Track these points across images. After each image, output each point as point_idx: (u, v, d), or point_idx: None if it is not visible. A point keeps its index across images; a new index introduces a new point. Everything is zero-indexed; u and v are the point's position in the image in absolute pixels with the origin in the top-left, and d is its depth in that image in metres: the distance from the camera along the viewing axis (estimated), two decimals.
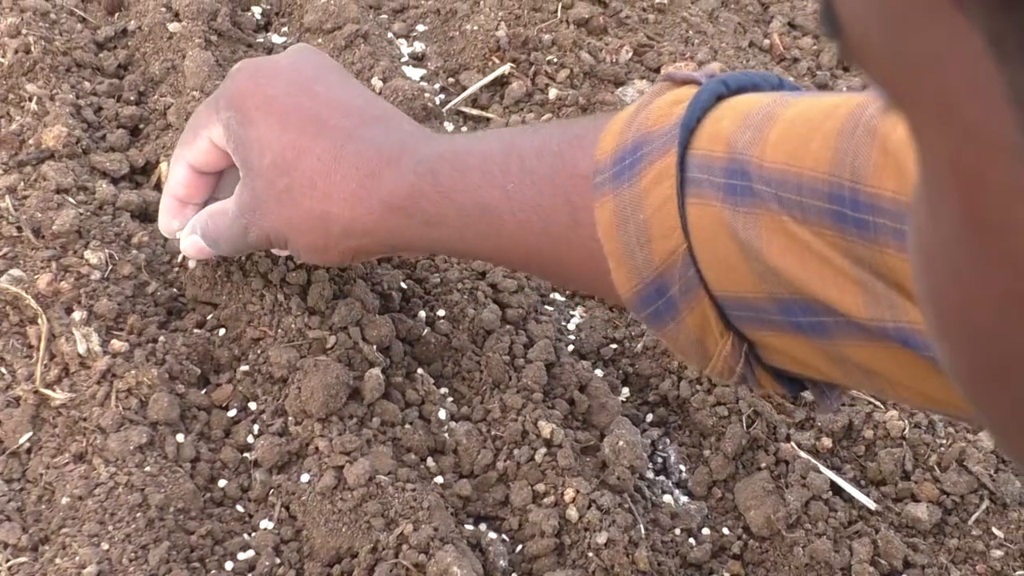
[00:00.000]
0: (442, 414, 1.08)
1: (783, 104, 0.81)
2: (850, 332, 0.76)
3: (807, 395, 0.95)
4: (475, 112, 1.38)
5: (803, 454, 1.11)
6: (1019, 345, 0.34)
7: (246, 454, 1.03)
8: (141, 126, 1.22)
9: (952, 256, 0.35)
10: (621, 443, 1.07)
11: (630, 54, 1.43)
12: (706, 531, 1.08)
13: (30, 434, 0.98)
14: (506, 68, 1.40)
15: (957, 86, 0.31)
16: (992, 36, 0.29)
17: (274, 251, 1.08)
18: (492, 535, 1.02)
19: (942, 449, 1.14)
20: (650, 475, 1.11)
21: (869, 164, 0.72)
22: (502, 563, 0.99)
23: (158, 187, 1.17)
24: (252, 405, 1.05)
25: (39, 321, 1.02)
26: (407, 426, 1.05)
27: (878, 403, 1.17)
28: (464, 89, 1.40)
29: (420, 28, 1.49)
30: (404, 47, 1.46)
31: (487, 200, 0.91)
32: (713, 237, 0.81)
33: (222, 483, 1.01)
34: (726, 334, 0.84)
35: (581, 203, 0.86)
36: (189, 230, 1.05)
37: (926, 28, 0.31)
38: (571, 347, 1.18)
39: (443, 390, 1.11)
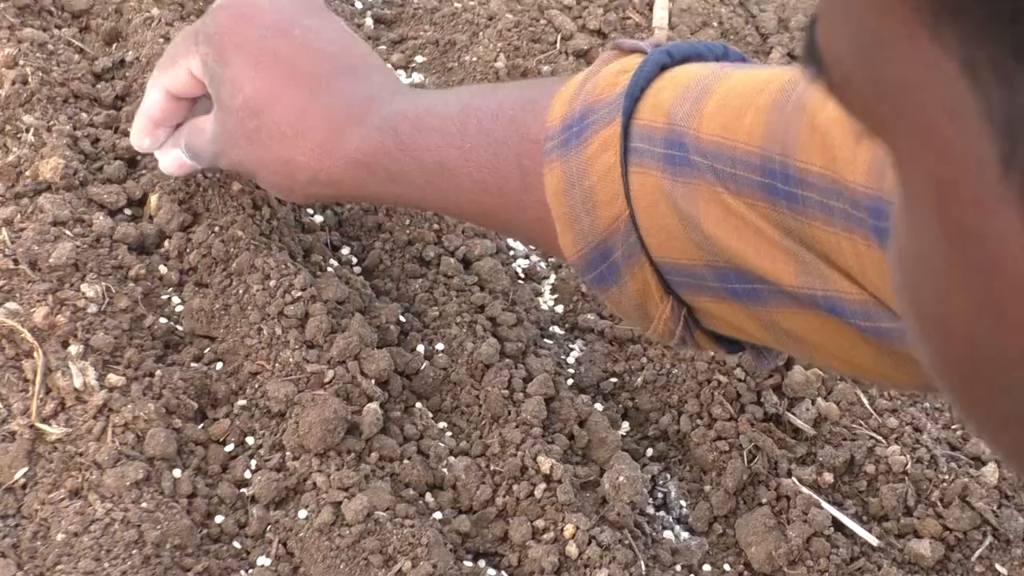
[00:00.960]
0: (441, 449, 1.07)
1: (720, 77, 0.84)
2: (782, 300, 0.80)
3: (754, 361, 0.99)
4: None
5: (804, 489, 1.11)
6: (995, 347, 0.36)
7: (243, 489, 1.02)
8: (138, 157, 1.21)
9: (932, 266, 0.37)
10: (621, 478, 1.06)
11: None
12: (707, 567, 1.07)
13: (25, 469, 0.97)
14: None
15: (934, 109, 0.33)
16: (965, 62, 0.31)
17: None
18: (491, 572, 1.01)
19: (944, 485, 1.13)
20: (650, 511, 1.10)
21: (799, 140, 0.76)
22: None
23: (152, 219, 1.17)
24: (249, 440, 1.05)
25: (35, 355, 1.01)
26: (405, 461, 1.05)
27: (880, 438, 1.16)
28: None
29: (419, 59, 1.49)
30: (403, 77, 1.46)
31: (445, 159, 0.95)
32: (653, 205, 0.84)
33: (219, 519, 1.00)
34: (665, 299, 0.88)
35: (532, 167, 0.90)
36: (171, 145, 1.11)
37: (904, 57, 0.33)
38: (570, 381, 1.18)
39: (442, 424, 1.11)
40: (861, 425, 1.17)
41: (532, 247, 1.29)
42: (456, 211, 1.06)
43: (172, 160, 1.12)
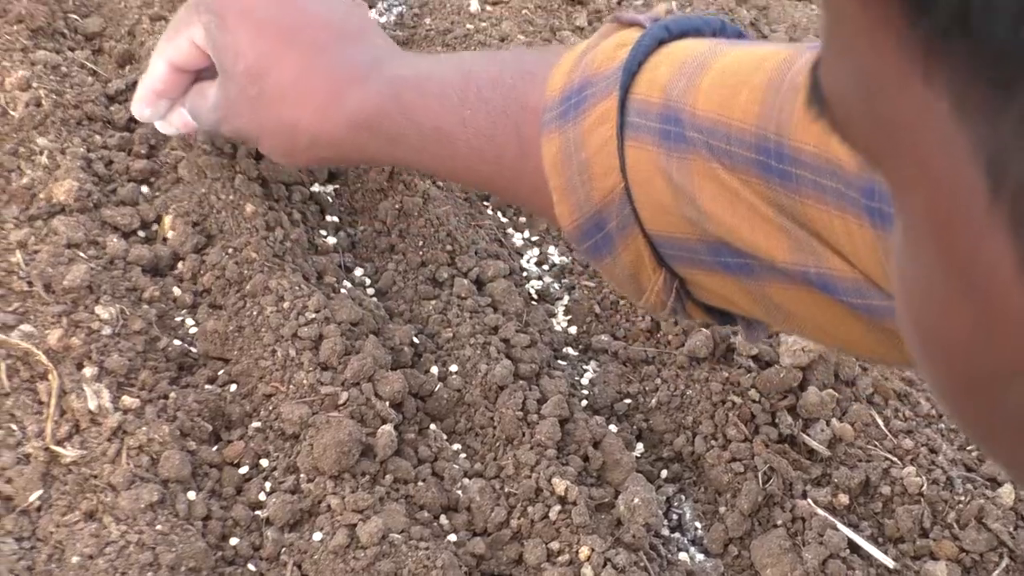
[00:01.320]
0: (455, 471, 1.07)
1: (717, 53, 0.85)
2: (774, 275, 0.81)
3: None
4: None
5: (820, 511, 1.10)
6: (990, 363, 0.38)
7: (258, 512, 1.02)
8: (152, 179, 1.21)
9: (930, 289, 0.39)
10: (636, 500, 1.06)
11: None
12: None
13: (40, 492, 0.97)
14: None
15: (928, 145, 0.36)
16: (954, 101, 0.34)
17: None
18: None
19: (961, 506, 1.12)
20: (665, 532, 1.10)
21: (793, 119, 0.77)
22: None
23: (166, 241, 1.17)
24: (264, 462, 1.05)
25: (50, 377, 1.01)
26: (420, 483, 1.04)
27: (895, 459, 1.16)
28: None
29: None
30: None
31: (445, 125, 0.96)
32: (648, 179, 0.85)
33: (234, 541, 1.00)
34: (658, 270, 0.89)
35: (530, 136, 0.91)
36: (180, 105, 1.15)
37: (900, 97, 0.36)
38: (584, 402, 1.17)
39: (456, 446, 1.11)
40: (876, 446, 1.17)
41: (529, 214, 1.31)
42: (454, 176, 1.08)
43: (178, 117, 1.16)
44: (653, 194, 0.86)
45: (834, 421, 1.17)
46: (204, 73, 1.13)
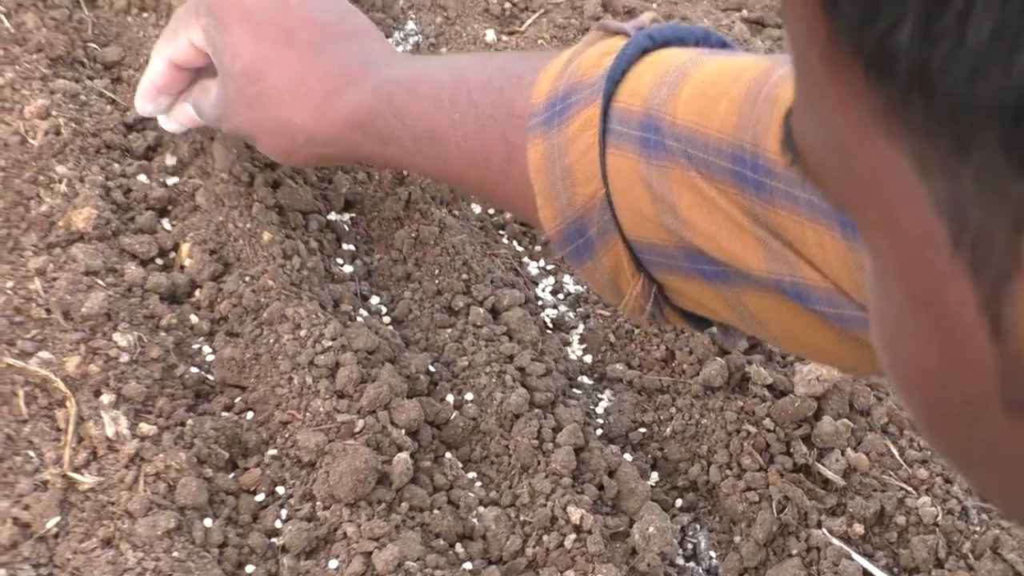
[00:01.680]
0: (471, 499, 1.07)
1: (697, 63, 0.87)
2: (749, 283, 0.84)
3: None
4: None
5: (835, 540, 1.10)
6: (958, 397, 0.41)
7: (274, 539, 1.02)
8: (170, 208, 1.22)
9: (902, 326, 0.42)
10: (651, 529, 1.06)
11: None
12: None
13: (58, 518, 0.97)
14: None
15: (894, 197, 0.38)
16: (914, 157, 0.36)
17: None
18: None
19: (976, 536, 1.12)
20: (680, 561, 1.10)
21: (769, 132, 0.79)
22: None
23: (183, 269, 1.17)
24: (280, 489, 1.05)
25: (67, 404, 1.02)
26: (436, 511, 1.05)
27: (910, 489, 1.16)
28: None
29: None
30: None
31: (436, 127, 0.99)
32: (629, 186, 0.88)
33: (250, 569, 1.00)
34: (637, 275, 0.91)
35: (516, 141, 0.93)
36: (184, 100, 1.19)
37: (865, 153, 0.38)
38: (600, 431, 1.18)
39: (471, 474, 1.11)
40: (891, 476, 1.17)
41: (516, 217, 1.32)
42: (444, 177, 1.09)
43: (183, 112, 1.19)
44: (633, 201, 0.88)
45: (849, 451, 1.17)
46: (206, 71, 1.16)
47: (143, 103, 1.19)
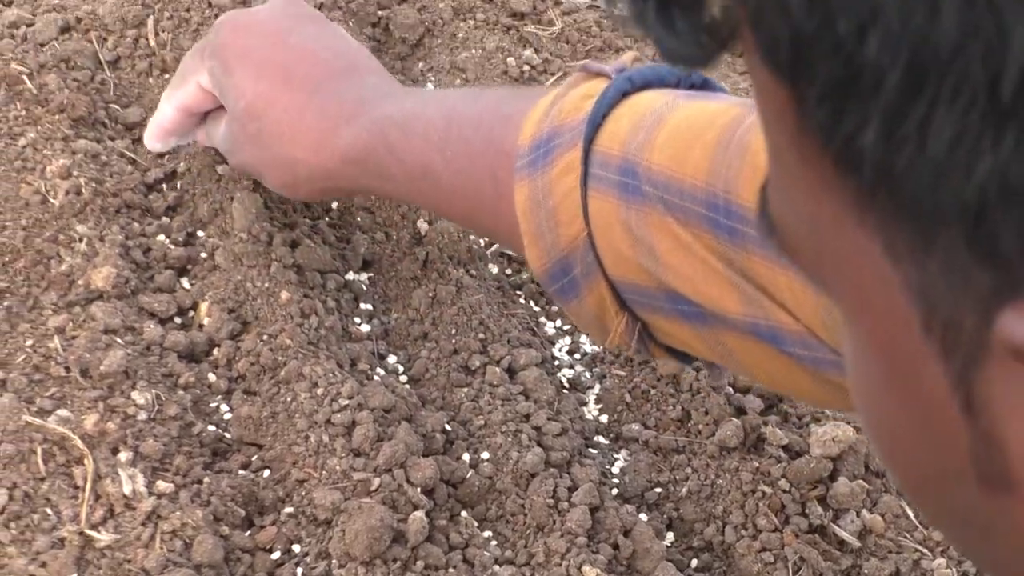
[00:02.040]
0: (486, 558, 1.07)
1: (673, 108, 0.89)
2: (726, 325, 0.86)
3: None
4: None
5: None
6: (934, 465, 0.42)
7: None
8: (189, 267, 1.23)
9: (880, 400, 0.43)
10: None
11: None
12: None
13: None
14: None
15: (867, 282, 0.39)
16: (885, 244, 0.37)
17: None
18: None
19: None
20: None
21: (740, 178, 0.81)
22: None
23: (202, 328, 1.18)
24: (296, 547, 1.05)
25: (85, 462, 1.02)
26: (451, 570, 1.05)
27: (925, 551, 1.15)
28: None
29: None
30: None
31: (428, 163, 1.02)
32: (609, 228, 0.90)
33: None
34: (621, 314, 0.93)
35: (504, 179, 0.96)
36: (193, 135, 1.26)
37: (838, 238, 0.39)
38: (615, 491, 1.18)
39: (487, 533, 1.11)
40: (906, 537, 1.16)
41: (506, 249, 1.34)
42: (438, 211, 1.14)
43: (195, 137, 1.26)
44: (614, 242, 0.90)
45: (864, 512, 1.17)
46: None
47: (153, 143, 1.26)
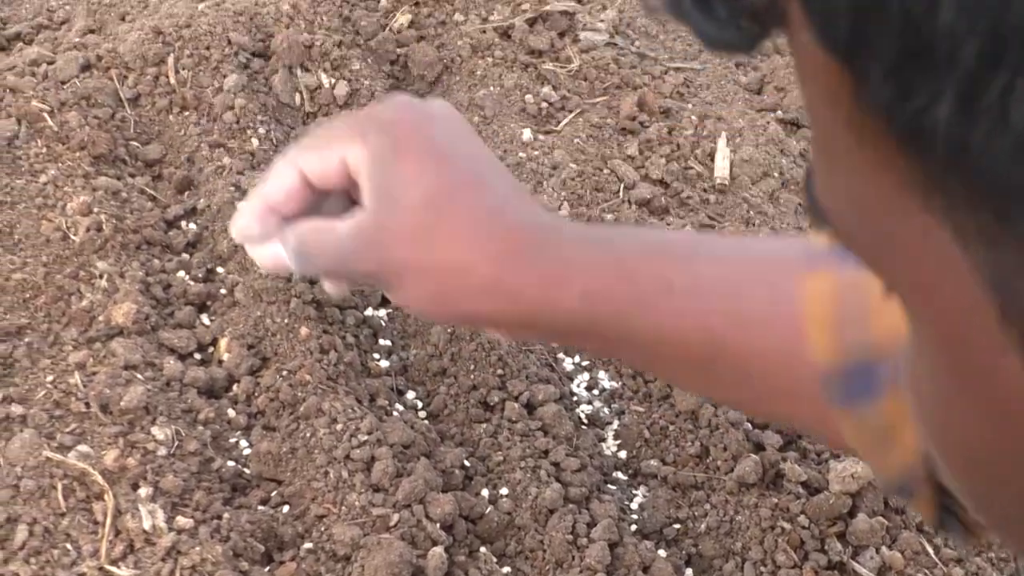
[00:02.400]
0: None
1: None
2: None
3: None
4: None
5: None
6: (1010, 465, 0.40)
7: None
8: (209, 303, 1.23)
9: (949, 400, 0.41)
10: None
11: None
12: None
13: None
14: None
15: (933, 268, 0.37)
16: (955, 228, 0.35)
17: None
18: None
19: None
20: None
21: None
22: None
23: (221, 363, 1.19)
24: None
25: (105, 497, 1.03)
26: None
27: None
28: None
29: None
30: None
31: (671, 280, 0.84)
32: None
33: None
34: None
35: (782, 282, 0.80)
36: (277, 239, 0.95)
37: (899, 223, 0.37)
38: (634, 527, 1.18)
39: (506, 569, 1.11)
40: (926, 574, 1.16)
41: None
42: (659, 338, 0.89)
43: (271, 255, 0.95)
44: None
45: (884, 548, 1.17)
46: (319, 206, 0.96)
47: (250, 223, 0.95)
